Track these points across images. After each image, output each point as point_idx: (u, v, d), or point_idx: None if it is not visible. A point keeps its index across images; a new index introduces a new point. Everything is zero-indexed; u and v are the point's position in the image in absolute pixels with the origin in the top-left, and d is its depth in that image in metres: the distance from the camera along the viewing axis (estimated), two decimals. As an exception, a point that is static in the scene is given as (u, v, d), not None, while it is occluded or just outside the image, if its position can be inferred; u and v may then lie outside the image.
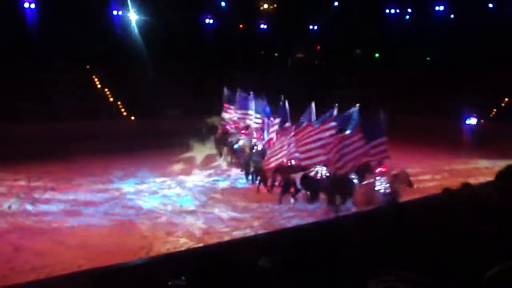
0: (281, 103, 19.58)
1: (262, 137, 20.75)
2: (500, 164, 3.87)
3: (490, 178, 4.10)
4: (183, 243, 12.47)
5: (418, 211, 5.86)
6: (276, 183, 17.83)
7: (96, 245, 12.22)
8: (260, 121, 21.38)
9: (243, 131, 22.57)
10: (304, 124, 17.03)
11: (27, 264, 10.86)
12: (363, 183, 15.43)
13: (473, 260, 2.84)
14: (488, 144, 27.10)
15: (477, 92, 33.14)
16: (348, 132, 15.69)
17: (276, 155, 17.57)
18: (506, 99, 34.55)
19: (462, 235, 3.74)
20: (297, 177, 16.79)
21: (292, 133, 17.19)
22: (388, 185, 14.73)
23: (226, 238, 12.76)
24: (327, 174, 16.10)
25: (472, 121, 32.56)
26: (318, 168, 16.41)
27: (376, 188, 14.82)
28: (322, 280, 4.03)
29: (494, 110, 34.48)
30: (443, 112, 32.99)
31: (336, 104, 16.70)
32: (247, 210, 15.89)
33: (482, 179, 13.89)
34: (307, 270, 4.16)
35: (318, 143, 16.02)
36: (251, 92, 22.38)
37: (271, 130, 19.43)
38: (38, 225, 13.84)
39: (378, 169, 15.12)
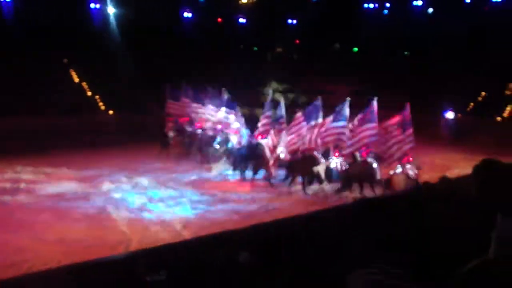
0: (269, 96, 19.97)
1: (236, 131, 20.90)
2: (477, 157, 3.91)
3: (467, 171, 4.15)
4: (163, 237, 12.44)
5: (396, 205, 5.90)
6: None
7: (75, 240, 12.14)
8: (229, 115, 21.58)
9: (198, 125, 22.74)
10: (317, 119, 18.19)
11: (5, 259, 10.74)
12: (397, 171, 16.78)
13: (452, 254, 2.88)
14: (465, 138, 27.46)
15: (455, 86, 33.44)
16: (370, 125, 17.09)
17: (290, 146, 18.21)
18: (483, 93, 34.95)
19: (440, 229, 3.78)
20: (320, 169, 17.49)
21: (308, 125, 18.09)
22: (415, 171, 16.46)
23: (206, 232, 12.76)
24: (344, 164, 17.41)
25: (449, 115, 32.87)
26: (335, 159, 17.64)
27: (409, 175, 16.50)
28: (303, 274, 4.05)
29: (471, 104, 34.87)
30: (421, 106, 33.24)
31: (348, 98, 17.92)
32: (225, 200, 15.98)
33: (460, 173, 14.06)
34: (288, 264, 4.18)
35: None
36: (208, 87, 22.71)
37: (262, 123, 19.53)
38: (16, 220, 13.70)
39: (405, 158, 16.65)
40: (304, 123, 18.10)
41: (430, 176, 17.33)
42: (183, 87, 24.64)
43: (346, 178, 17.04)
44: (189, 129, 23.42)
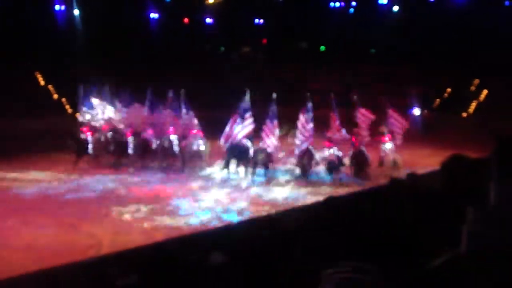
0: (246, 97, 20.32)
1: (199, 132, 21.03)
2: (444, 153, 3.95)
3: (435, 167, 4.19)
4: (133, 240, 12.33)
5: (365, 201, 5.95)
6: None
7: (43, 246, 11.95)
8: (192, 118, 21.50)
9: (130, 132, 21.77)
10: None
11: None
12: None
13: (421, 248, 2.90)
14: (432, 134, 27.82)
15: (420, 83, 33.83)
16: None
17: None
18: (449, 90, 35.39)
19: (409, 224, 3.82)
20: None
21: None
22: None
23: (175, 233, 12.70)
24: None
25: (416, 111, 33.21)
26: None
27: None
28: (275, 274, 4.04)
29: (437, 100, 35.31)
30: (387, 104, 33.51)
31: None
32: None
33: (427, 169, 14.24)
34: (259, 264, 4.17)
35: None
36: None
37: (246, 123, 19.92)
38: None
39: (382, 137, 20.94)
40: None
41: (398, 172, 17.62)
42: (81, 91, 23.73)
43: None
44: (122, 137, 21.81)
